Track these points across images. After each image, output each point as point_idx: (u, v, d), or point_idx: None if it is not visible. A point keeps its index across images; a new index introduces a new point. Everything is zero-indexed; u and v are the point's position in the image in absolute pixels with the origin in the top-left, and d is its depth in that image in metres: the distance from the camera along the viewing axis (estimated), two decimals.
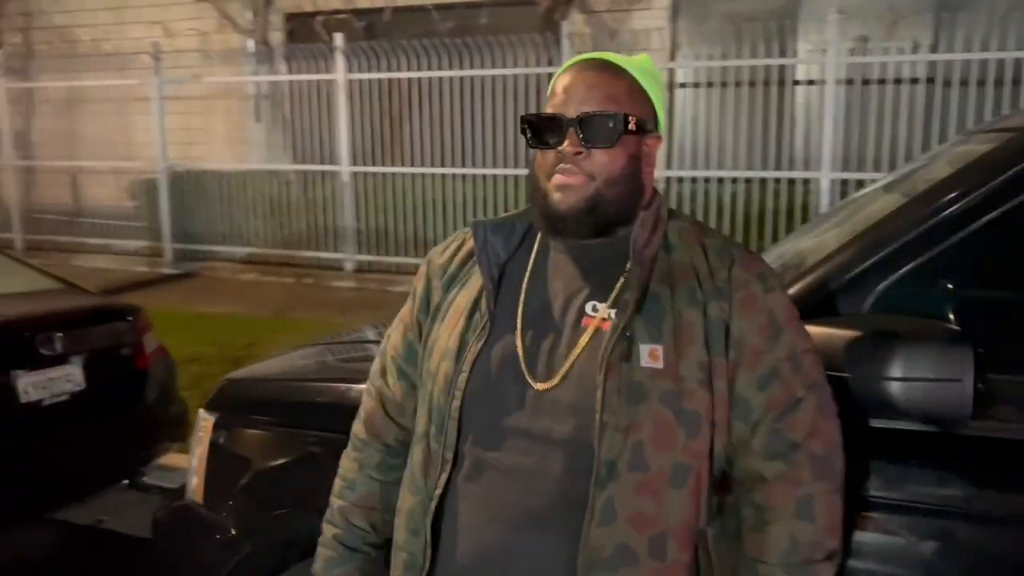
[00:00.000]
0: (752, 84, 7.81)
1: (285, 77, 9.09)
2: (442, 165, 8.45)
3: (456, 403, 1.27)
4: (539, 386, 1.24)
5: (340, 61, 8.53)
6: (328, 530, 1.47)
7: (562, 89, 1.27)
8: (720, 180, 7.75)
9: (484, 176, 8.31)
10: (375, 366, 1.49)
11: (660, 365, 1.20)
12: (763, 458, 1.23)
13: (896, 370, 1.37)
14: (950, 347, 1.35)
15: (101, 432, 3.64)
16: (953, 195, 1.50)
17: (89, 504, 3.67)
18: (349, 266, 8.79)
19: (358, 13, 9.80)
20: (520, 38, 7.82)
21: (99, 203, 10.64)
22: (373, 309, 7.17)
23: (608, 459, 1.18)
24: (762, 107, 7.83)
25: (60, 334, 3.48)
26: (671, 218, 1.34)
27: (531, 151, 1.32)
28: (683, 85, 8.55)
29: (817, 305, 1.56)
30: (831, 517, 1.24)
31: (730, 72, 7.65)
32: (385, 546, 1.44)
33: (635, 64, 1.30)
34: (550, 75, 7.90)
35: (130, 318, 3.90)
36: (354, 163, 8.73)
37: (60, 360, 3.48)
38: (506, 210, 8.16)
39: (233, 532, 2.04)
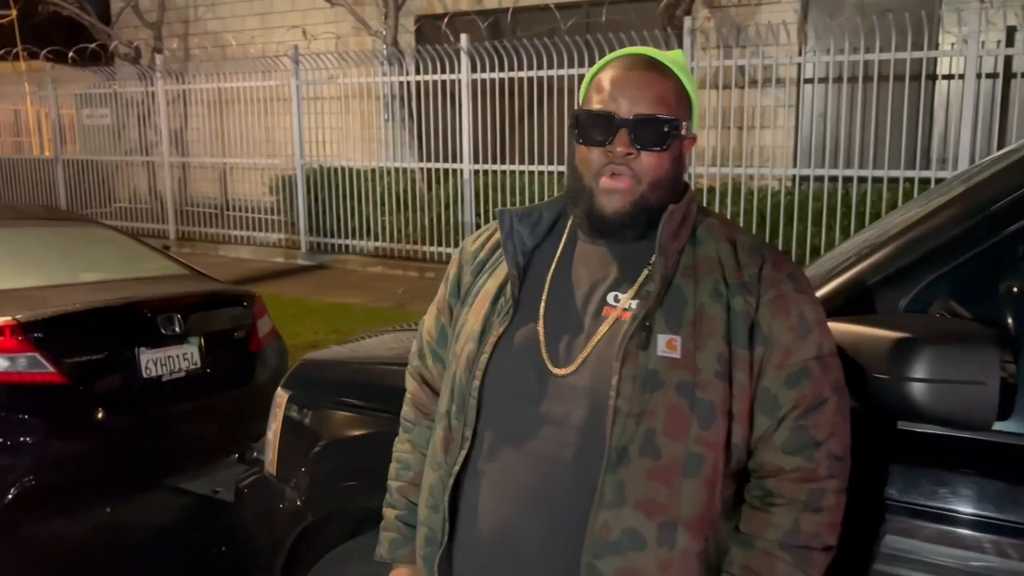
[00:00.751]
0: (887, 79, 7.44)
1: (410, 78, 9.39)
2: (561, 163, 8.49)
3: (476, 383, 1.32)
4: (557, 371, 1.27)
5: (464, 61, 8.74)
6: (389, 513, 1.53)
7: (611, 85, 1.28)
8: (850, 180, 7.43)
9: None
10: (413, 349, 1.57)
11: (677, 355, 1.22)
12: (783, 452, 1.24)
13: (919, 371, 1.32)
14: (973, 348, 1.29)
15: (214, 408, 3.92)
16: (993, 194, 1.43)
17: (205, 476, 3.95)
18: None
19: (485, 13, 10.01)
20: (640, 35, 7.75)
21: (244, 197, 11.33)
22: None
23: (620, 444, 1.20)
24: (898, 103, 7.45)
25: (180, 316, 3.77)
26: (702, 214, 1.35)
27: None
28: (809, 81, 8.25)
29: (854, 302, 1.52)
30: (835, 514, 1.25)
31: (863, 67, 7.31)
32: None
33: (678, 63, 1.32)
34: None
35: (246, 304, 4.18)
36: (475, 161, 8.92)
37: (179, 340, 3.77)
38: None
39: (298, 503, 2.18)
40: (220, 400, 3.95)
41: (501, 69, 8.58)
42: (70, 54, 11.55)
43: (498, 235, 1.43)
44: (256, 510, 2.36)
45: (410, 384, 1.57)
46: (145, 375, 3.64)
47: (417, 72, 9.31)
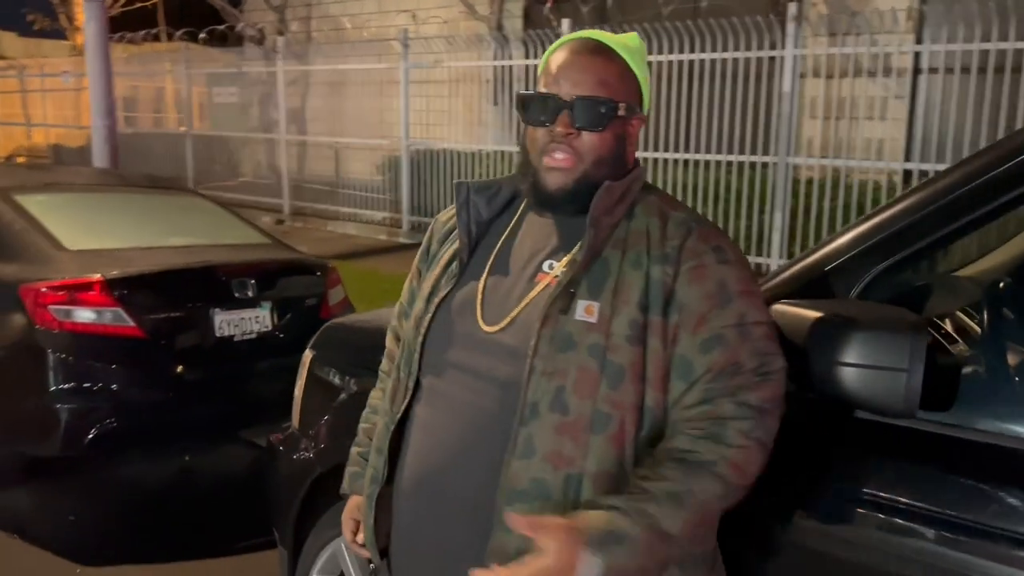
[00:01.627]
0: (1016, 70, 6.98)
1: (512, 62, 9.49)
2: (659, 150, 8.42)
3: (420, 339, 1.44)
4: (487, 329, 1.37)
5: None
6: (353, 450, 1.67)
7: (556, 68, 1.36)
8: None
9: (703, 162, 8.18)
10: (395, 310, 1.69)
11: (593, 319, 1.29)
12: (693, 407, 1.28)
13: (846, 355, 1.33)
14: (899, 335, 1.28)
15: (281, 369, 4.15)
16: (939, 189, 1.41)
17: (268, 430, 4.21)
18: None
19: None
20: (742, 21, 7.58)
21: (355, 176, 11.76)
22: None
23: (532, 400, 1.28)
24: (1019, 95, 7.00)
25: (253, 281, 4.03)
26: (645, 192, 1.41)
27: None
28: (920, 71, 7.85)
29: (811, 288, 1.52)
30: (742, 455, 1.25)
31: (983, 56, 6.88)
32: None
33: (625, 46, 1.38)
34: (772, 59, 7.67)
35: (319, 274, 4.41)
36: None
37: (252, 303, 4.03)
38: (726, 198, 8.03)
39: (311, 455, 2.33)
40: (287, 362, 4.18)
41: None
42: (201, 35, 12.26)
43: None
44: (281, 461, 2.53)
45: (388, 341, 1.69)
46: (218, 334, 3.92)
47: (526, 56, 9.39)
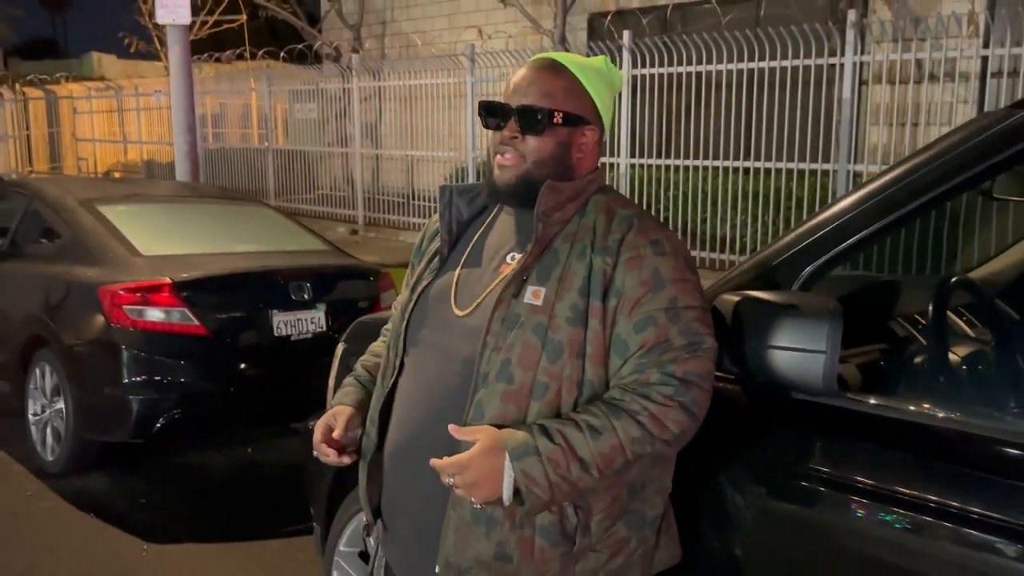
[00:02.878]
0: None
1: None
2: (720, 158, 8.46)
3: (404, 323, 1.65)
4: (458, 313, 1.57)
5: (625, 57, 8.91)
6: (348, 378, 1.83)
7: (512, 82, 1.57)
8: None
9: (762, 170, 8.18)
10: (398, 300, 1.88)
11: (539, 303, 1.47)
12: (627, 377, 1.44)
13: (775, 340, 1.47)
14: (819, 320, 1.42)
15: None
16: (867, 192, 1.54)
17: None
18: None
19: (646, 10, 10.10)
20: (803, 29, 7.59)
21: (426, 187, 12.10)
22: None
23: (484, 371, 1.48)
24: None
25: (310, 285, 4.32)
26: (600, 193, 1.59)
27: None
28: (997, 75, 7.69)
29: (758, 282, 1.66)
30: (664, 412, 1.39)
31: None
32: None
33: (580, 65, 1.56)
34: (832, 66, 7.64)
35: (371, 278, 4.68)
36: (632, 155, 9.06)
37: (308, 305, 4.32)
38: (784, 204, 8.01)
39: None
40: None
41: (662, 65, 8.66)
42: (282, 54, 12.83)
43: None
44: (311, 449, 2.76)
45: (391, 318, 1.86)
46: (276, 334, 4.21)
47: None
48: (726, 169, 8.41)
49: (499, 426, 1.45)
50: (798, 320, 1.44)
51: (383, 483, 1.67)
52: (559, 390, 1.45)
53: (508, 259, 1.57)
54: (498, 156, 1.56)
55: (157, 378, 3.95)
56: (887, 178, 1.55)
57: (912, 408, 1.49)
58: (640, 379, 1.42)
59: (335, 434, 1.69)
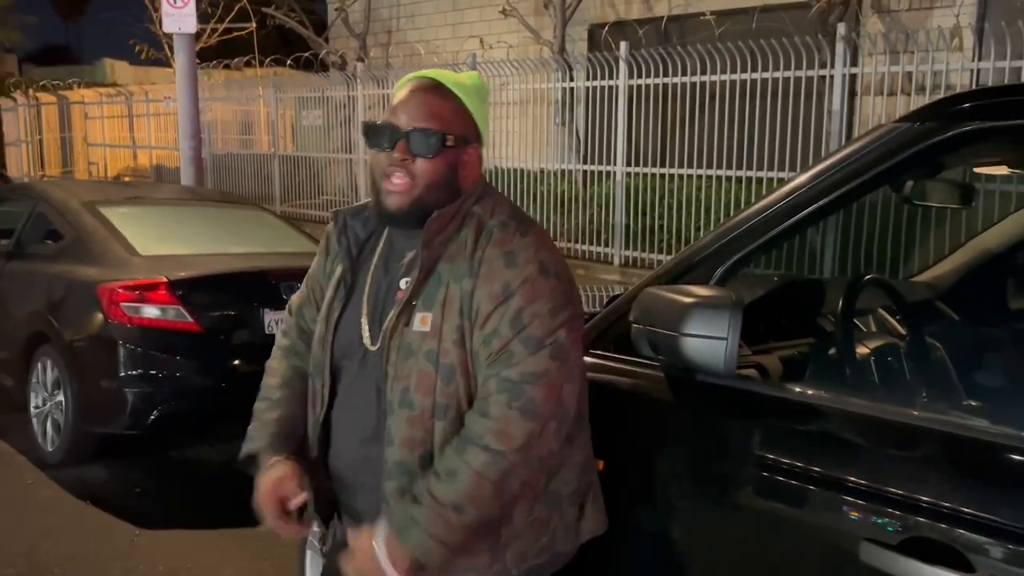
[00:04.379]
0: None
1: (570, 84, 9.86)
2: (714, 167, 8.60)
3: (327, 357, 1.65)
4: (370, 348, 1.61)
5: (623, 68, 9.08)
6: (266, 418, 1.79)
7: (398, 102, 1.56)
8: None
9: (754, 179, 8.32)
10: (296, 300, 1.89)
11: (427, 328, 1.52)
12: (481, 396, 1.51)
13: (683, 327, 1.62)
14: (720, 310, 1.58)
15: None
16: (773, 198, 1.71)
17: None
18: (616, 260, 9.32)
19: (652, 21, 10.28)
20: (792, 42, 7.74)
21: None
22: None
23: (389, 399, 1.55)
24: None
25: (300, 284, 4.48)
26: (478, 204, 1.59)
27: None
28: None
29: (685, 275, 1.83)
30: (503, 423, 1.46)
31: None
32: None
33: (461, 84, 1.58)
34: (822, 78, 7.79)
35: None
36: (628, 164, 9.23)
37: None
38: None
39: None
40: None
41: (658, 75, 8.83)
42: (289, 62, 13.06)
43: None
44: None
45: (289, 323, 1.89)
46: (267, 332, 4.38)
47: (588, 79, 9.74)
48: (720, 178, 8.56)
49: (409, 448, 1.52)
50: (704, 310, 1.59)
51: (337, 498, 1.71)
52: (459, 407, 1.52)
53: (402, 284, 1.59)
54: (385, 181, 1.54)
55: (152, 372, 4.13)
56: (794, 183, 1.71)
57: (799, 390, 1.65)
58: (481, 392, 1.49)
59: (293, 504, 1.67)
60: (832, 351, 1.87)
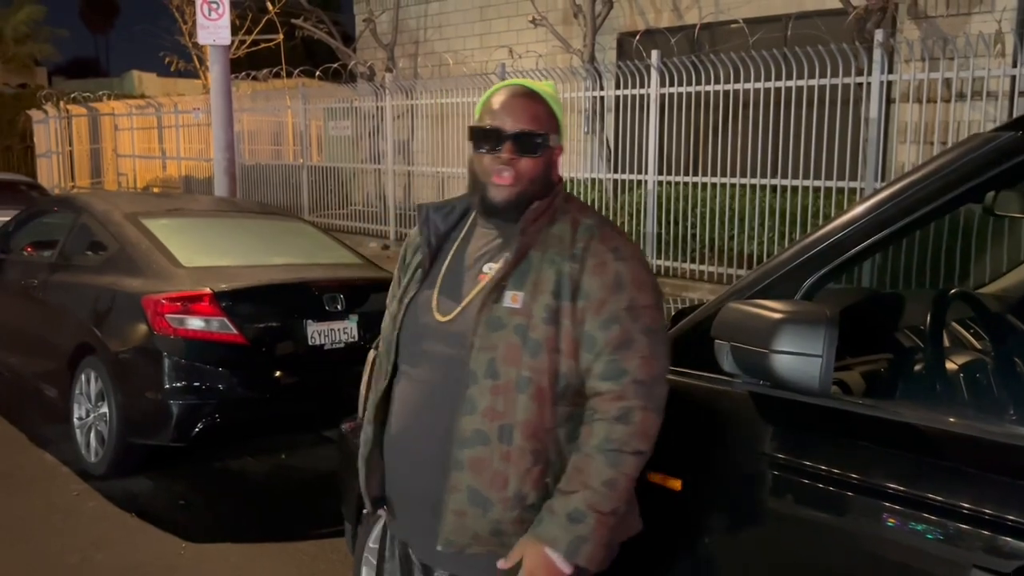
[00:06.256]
0: None
1: (602, 92, 9.82)
2: (747, 176, 8.52)
3: (395, 332, 1.81)
4: (441, 319, 1.73)
5: (654, 76, 9.03)
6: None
7: (499, 107, 1.73)
8: None
9: (789, 187, 8.24)
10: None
11: (518, 306, 1.66)
12: (600, 379, 1.63)
13: (773, 343, 1.58)
14: (814, 326, 1.53)
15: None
16: (862, 210, 1.66)
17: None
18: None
19: (683, 29, 10.23)
20: (830, 49, 7.66)
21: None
22: None
23: (473, 369, 1.66)
24: None
25: (343, 296, 4.48)
26: (566, 203, 1.77)
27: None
28: (1022, 94, 7.70)
29: (763, 292, 1.78)
30: (644, 425, 1.61)
31: None
32: None
33: (547, 92, 1.77)
34: (858, 85, 7.70)
35: None
36: (659, 172, 9.17)
37: (341, 316, 4.48)
38: (811, 221, 8.06)
39: None
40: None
41: (690, 83, 8.77)
42: (317, 73, 13.12)
43: None
44: (348, 446, 2.90)
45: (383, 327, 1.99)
46: (311, 343, 4.38)
47: (617, 87, 9.70)
48: (753, 187, 8.48)
49: (490, 418, 1.63)
50: (796, 326, 1.54)
51: (385, 474, 1.84)
52: (539, 383, 1.63)
53: (485, 269, 1.74)
54: (495, 176, 1.70)
55: (196, 384, 4.12)
56: (883, 195, 1.66)
57: (899, 409, 1.59)
58: (616, 391, 1.60)
59: None
60: (920, 367, 1.81)
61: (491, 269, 1.72)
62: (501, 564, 1.63)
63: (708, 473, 1.75)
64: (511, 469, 1.63)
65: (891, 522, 1.50)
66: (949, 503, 1.42)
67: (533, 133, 1.69)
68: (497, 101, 1.73)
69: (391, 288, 1.97)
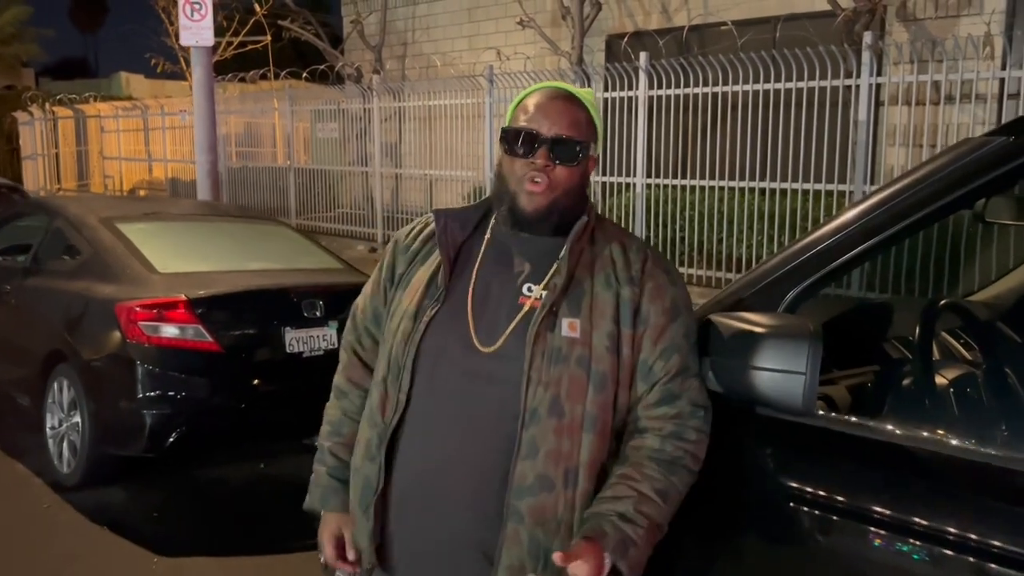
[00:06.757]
0: None
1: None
2: (736, 179, 8.46)
3: (412, 356, 1.56)
4: (483, 349, 1.53)
5: (642, 79, 8.96)
6: (320, 469, 1.74)
7: (535, 108, 1.56)
8: None
9: (778, 190, 8.18)
10: (348, 326, 1.81)
11: (577, 335, 1.50)
12: (654, 407, 1.54)
13: (757, 360, 1.49)
14: (797, 341, 1.44)
15: None
16: (849, 217, 1.58)
17: None
18: None
19: (672, 31, 10.17)
20: (819, 51, 7.60)
21: (446, 206, 12.16)
22: None
23: (532, 407, 1.48)
24: None
25: (322, 302, 4.38)
26: (599, 220, 1.64)
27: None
28: (1014, 96, 7.66)
29: (744, 304, 1.69)
30: (696, 447, 1.54)
31: None
32: None
33: (587, 98, 1.61)
34: (847, 87, 7.65)
35: None
36: (648, 175, 9.10)
37: (320, 323, 4.38)
38: (800, 224, 8.01)
39: None
40: None
41: (678, 85, 8.70)
42: (304, 74, 13.00)
43: (428, 229, 1.69)
44: None
45: (343, 357, 1.80)
46: (288, 351, 4.28)
47: (605, 89, 9.62)
48: (742, 189, 8.41)
49: (555, 461, 1.47)
50: (779, 341, 1.46)
51: (394, 525, 1.60)
52: (605, 419, 1.51)
53: (525, 291, 1.55)
54: (527, 183, 1.55)
55: (171, 393, 4.02)
56: (871, 202, 1.58)
57: (889, 429, 1.51)
58: (672, 413, 1.52)
59: (351, 556, 1.65)
60: (908, 381, 1.73)
61: (533, 292, 1.55)
62: (558, 558, 1.39)
63: (693, 497, 1.66)
64: (576, 517, 1.48)
65: (879, 544, 1.42)
66: (956, 532, 1.33)
67: (572, 140, 1.54)
68: (533, 102, 1.58)
69: (367, 301, 1.76)
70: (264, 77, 14.76)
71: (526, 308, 1.54)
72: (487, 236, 1.64)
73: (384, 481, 1.58)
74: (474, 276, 1.60)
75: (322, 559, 1.72)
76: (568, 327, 1.50)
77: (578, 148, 1.54)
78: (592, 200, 1.65)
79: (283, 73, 13.77)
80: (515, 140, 1.56)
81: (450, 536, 1.53)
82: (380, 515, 1.60)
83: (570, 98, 1.58)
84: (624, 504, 1.44)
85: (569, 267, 1.53)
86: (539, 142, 1.53)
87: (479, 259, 1.62)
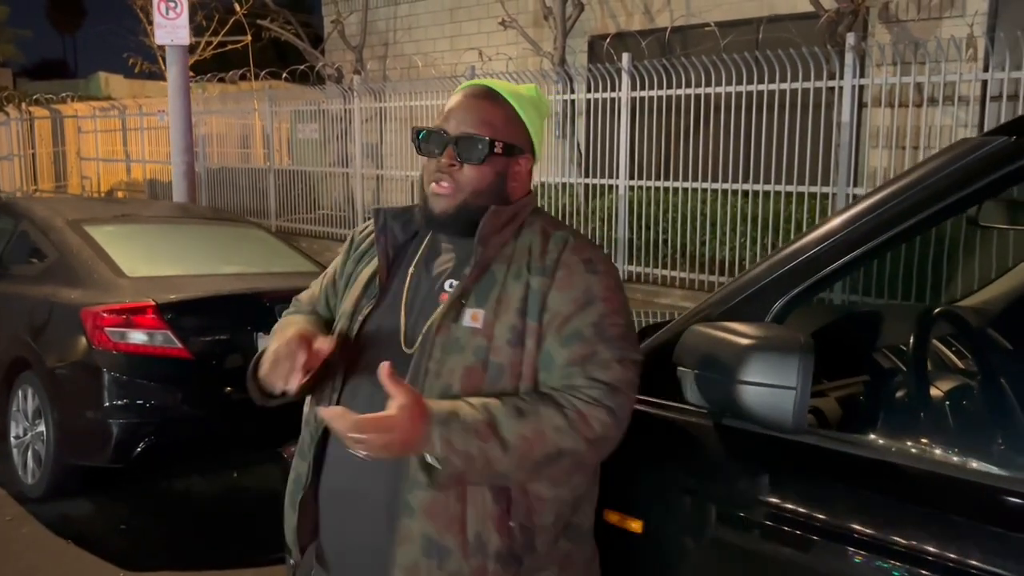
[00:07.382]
0: None
1: (572, 96, 9.67)
2: (719, 181, 8.41)
3: (345, 354, 1.53)
4: (407, 349, 1.50)
5: (624, 80, 8.89)
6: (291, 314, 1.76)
7: (448, 109, 1.53)
8: None
9: (761, 192, 8.13)
10: (310, 292, 1.80)
11: (479, 325, 1.45)
12: (568, 385, 1.41)
13: (744, 374, 1.40)
14: (788, 355, 1.35)
15: None
16: (839, 223, 1.49)
17: None
18: (620, 275, 9.09)
19: (654, 32, 10.11)
20: (802, 53, 7.56)
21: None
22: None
23: (428, 398, 1.40)
24: None
25: None
26: (534, 216, 1.55)
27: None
28: (996, 99, 7.64)
29: (730, 313, 1.60)
30: (590, 410, 1.38)
31: None
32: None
33: (517, 94, 1.54)
34: (830, 89, 7.61)
35: None
36: (631, 177, 9.02)
37: None
38: (784, 227, 7.96)
39: None
40: None
41: (661, 87, 8.64)
42: (284, 75, 12.84)
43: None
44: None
45: (304, 295, 1.81)
46: None
47: (589, 91, 9.55)
48: (725, 191, 8.36)
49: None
50: (768, 354, 1.37)
51: (322, 522, 1.59)
52: None
53: (447, 287, 1.53)
54: (433, 184, 1.51)
55: (139, 402, 3.89)
56: (862, 207, 1.49)
57: (886, 447, 1.42)
58: (567, 384, 1.41)
59: (325, 346, 1.47)
60: (903, 394, 1.64)
61: (452, 287, 1.51)
62: (384, 368, 1.31)
63: (673, 515, 1.57)
64: (469, 510, 1.42)
65: (864, 566, 1.33)
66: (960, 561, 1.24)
67: (475, 137, 1.48)
68: (450, 102, 1.54)
69: (319, 280, 1.75)
70: (244, 77, 14.58)
71: (443, 304, 1.50)
72: (427, 237, 1.61)
73: (313, 479, 1.58)
74: (409, 277, 1.58)
75: (290, 562, 1.68)
76: (471, 317, 1.45)
77: (481, 146, 1.48)
78: (532, 195, 1.60)
79: (263, 73, 13.63)
80: (424, 140, 1.53)
81: (364, 534, 1.51)
82: (313, 513, 1.60)
83: (488, 95, 1.53)
84: (476, 398, 1.39)
85: (484, 259, 1.48)
86: (444, 141, 1.49)
87: (416, 258, 1.60)
